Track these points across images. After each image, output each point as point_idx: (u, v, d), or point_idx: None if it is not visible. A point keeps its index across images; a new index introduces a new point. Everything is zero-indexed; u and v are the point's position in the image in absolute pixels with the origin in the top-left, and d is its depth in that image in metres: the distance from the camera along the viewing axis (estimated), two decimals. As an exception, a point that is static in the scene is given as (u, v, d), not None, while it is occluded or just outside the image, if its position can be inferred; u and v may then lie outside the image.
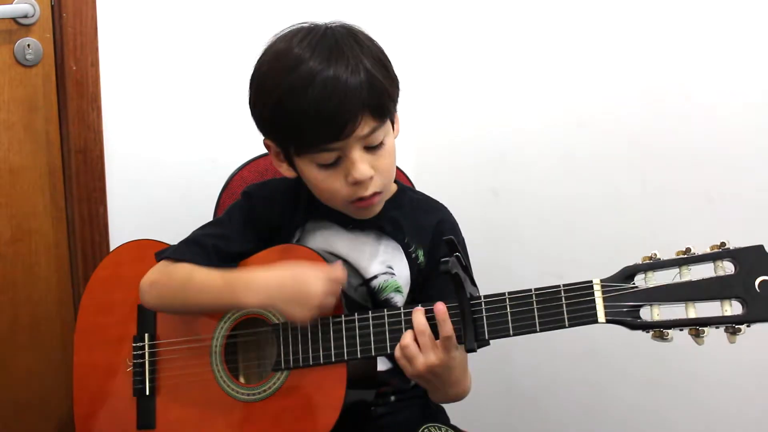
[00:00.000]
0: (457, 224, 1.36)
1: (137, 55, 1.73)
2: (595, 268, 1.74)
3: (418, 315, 1.14)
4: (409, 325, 1.15)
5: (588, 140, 1.73)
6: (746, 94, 1.50)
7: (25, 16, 1.61)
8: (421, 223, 1.33)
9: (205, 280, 1.25)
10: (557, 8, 1.76)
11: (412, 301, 1.33)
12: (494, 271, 1.74)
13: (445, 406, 1.43)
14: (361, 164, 1.18)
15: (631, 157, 1.67)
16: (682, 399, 1.65)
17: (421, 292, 1.33)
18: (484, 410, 1.96)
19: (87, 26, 1.65)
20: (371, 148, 1.20)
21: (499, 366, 1.93)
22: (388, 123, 1.22)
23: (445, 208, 1.37)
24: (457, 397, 1.24)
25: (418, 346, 1.13)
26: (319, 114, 1.14)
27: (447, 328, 1.11)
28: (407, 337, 1.13)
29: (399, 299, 1.32)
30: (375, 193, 1.22)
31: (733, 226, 1.53)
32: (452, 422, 1.38)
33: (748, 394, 1.56)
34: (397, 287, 1.31)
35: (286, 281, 1.19)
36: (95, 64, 1.67)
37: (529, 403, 1.94)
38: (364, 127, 1.17)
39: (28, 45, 1.63)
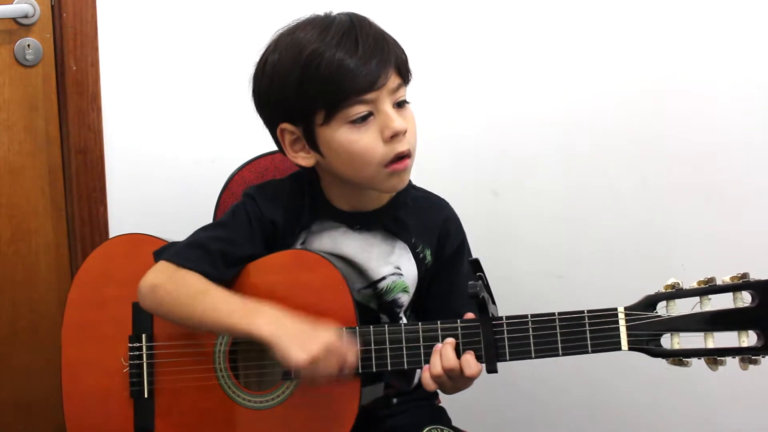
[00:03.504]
0: (459, 221, 1.36)
1: (137, 55, 1.73)
2: (594, 268, 1.75)
3: (448, 351, 1.14)
4: (429, 342, 1.15)
5: (588, 139, 1.74)
6: (746, 94, 1.50)
7: (25, 16, 1.61)
8: (426, 222, 1.33)
9: (218, 299, 1.21)
10: (558, 7, 1.76)
11: (417, 298, 1.33)
12: (494, 271, 1.73)
13: (446, 407, 1.43)
14: (396, 116, 1.20)
15: (631, 157, 1.67)
16: (682, 396, 1.65)
17: (428, 289, 1.33)
18: (485, 411, 1.95)
19: (87, 26, 1.65)
20: (399, 107, 1.22)
21: (499, 364, 1.92)
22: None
23: (448, 204, 1.37)
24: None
25: (447, 376, 1.14)
26: (356, 60, 1.16)
27: (473, 371, 1.13)
28: (438, 367, 1.13)
29: (405, 299, 1.31)
30: (407, 154, 1.22)
31: (733, 225, 1.53)
32: (454, 423, 1.38)
33: (749, 392, 1.56)
34: (405, 287, 1.31)
35: (299, 323, 1.16)
36: (95, 64, 1.67)
37: (530, 403, 1.94)
38: (394, 80, 1.20)
39: (28, 45, 1.63)
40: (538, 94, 1.82)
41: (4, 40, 1.62)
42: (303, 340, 1.13)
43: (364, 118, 1.19)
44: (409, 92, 1.24)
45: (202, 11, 1.78)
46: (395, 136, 1.19)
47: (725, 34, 1.51)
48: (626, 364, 1.72)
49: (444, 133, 2.01)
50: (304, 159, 1.26)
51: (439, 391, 1.41)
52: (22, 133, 1.67)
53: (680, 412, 1.66)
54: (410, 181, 1.54)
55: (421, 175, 1.77)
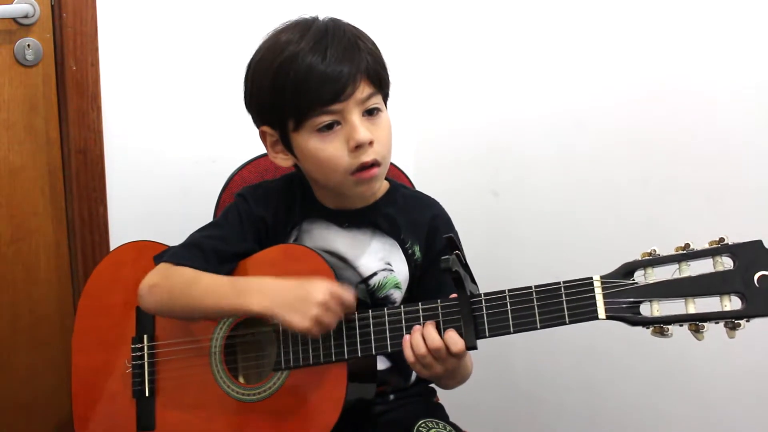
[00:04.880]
0: (450, 219, 1.37)
1: (137, 55, 1.73)
2: (595, 267, 1.74)
3: (431, 331, 1.13)
4: (411, 323, 1.15)
5: (588, 139, 1.73)
6: (746, 94, 1.50)
7: (25, 16, 1.61)
8: (415, 219, 1.34)
9: (210, 284, 1.25)
10: (558, 7, 1.76)
11: (410, 296, 1.34)
12: (494, 270, 1.74)
13: (444, 403, 1.43)
14: (362, 127, 1.21)
15: (630, 156, 1.67)
16: (681, 396, 1.65)
17: (418, 286, 1.34)
18: (482, 408, 1.96)
19: (87, 26, 1.65)
20: (369, 115, 1.22)
21: (498, 363, 1.93)
22: (382, 99, 1.26)
23: (438, 203, 1.38)
24: (464, 380, 1.26)
25: (434, 357, 1.13)
26: (323, 69, 1.18)
27: (459, 347, 1.11)
28: (421, 348, 1.13)
29: (398, 295, 1.32)
30: (375, 164, 1.23)
31: (733, 224, 1.52)
32: (451, 419, 1.38)
33: (748, 391, 1.56)
34: (396, 283, 1.32)
35: (290, 288, 1.18)
36: (95, 64, 1.67)
37: (528, 400, 1.94)
38: (364, 90, 1.21)
39: (28, 45, 1.63)
40: (538, 94, 1.82)
41: (4, 40, 1.62)
42: (299, 305, 1.15)
43: (329, 127, 1.21)
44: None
45: (202, 11, 1.78)
46: (360, 147, 1.20)
47: (725, 34, 1.51)
48: (626, 364, 1.72)
49: (444, 132, 2.01)
50: (284, 160, 1.30)
51: (437, 388, 1.41)
52: (22, 133, 1.67)
53: (680, 412, 1.66)
54: (410, 184, 1.55)
55: (421, 175, 1.78)
